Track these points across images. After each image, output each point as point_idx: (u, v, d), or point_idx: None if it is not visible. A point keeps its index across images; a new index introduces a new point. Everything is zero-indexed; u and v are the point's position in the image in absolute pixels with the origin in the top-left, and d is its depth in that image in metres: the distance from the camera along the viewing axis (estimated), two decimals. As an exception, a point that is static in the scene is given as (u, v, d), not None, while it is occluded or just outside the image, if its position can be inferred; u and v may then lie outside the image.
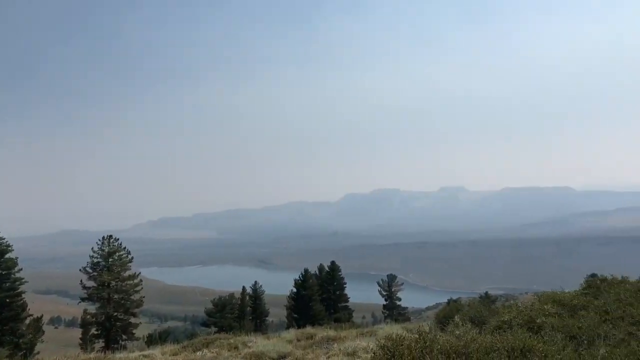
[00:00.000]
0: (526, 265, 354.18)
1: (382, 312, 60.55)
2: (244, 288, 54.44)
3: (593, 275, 17.63)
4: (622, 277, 13.65)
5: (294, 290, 50.73)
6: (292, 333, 19.19)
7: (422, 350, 6.24)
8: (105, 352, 21.07)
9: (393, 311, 56.77)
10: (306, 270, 52.16)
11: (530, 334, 7.68)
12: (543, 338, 7.24)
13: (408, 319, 53.51)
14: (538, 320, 9.60)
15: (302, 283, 50.08)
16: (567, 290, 14.50)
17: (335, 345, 15.61)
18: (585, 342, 7.77)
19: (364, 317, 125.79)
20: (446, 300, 57.74)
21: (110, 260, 36.91)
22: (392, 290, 58.00)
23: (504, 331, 8.64)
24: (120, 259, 37.27)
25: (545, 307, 10.77)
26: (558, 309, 10.73)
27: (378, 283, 59.47)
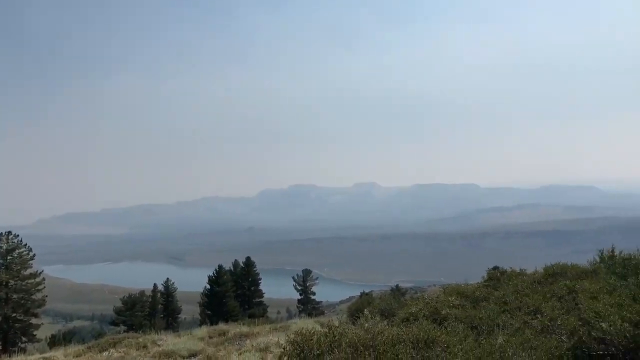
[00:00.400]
0: (435, 259, 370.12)
1: (297, 306, 61.07)
2: (155, 285, 52.90)
3: (495, 268, 18.62)
4: (520, 269, 14.57)
5: (208, 286, 49.94)
6: (204, 330, 18.82)
7: (330, 344, 6.32)
8: (1, 356, 19.69)
9: (307, 305, 57.37)
10: (220, 267, 51.51)
11: (435, 325, 8.00)
12: (446, 329, 7.57)
13: (322, 313, 54.33)
14: (443, 312, 10.01)
15: (216, 279, 49.40)
16: (470, 283, 15.26)
17: (248, 341, 15.51)
18: (485, 331, 8.21)
19: (278, 312, 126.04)
20: (359, 294, 59.04)
21: (8, 258, 34.57)
22: (307, 284, 58.62)
23: (411, 323, 8.94)
24: (21, 257, 34.97)
25: (450, 299, 11.26)
26: (462, 301, 11.25)
27: (293, 278, 59.87)
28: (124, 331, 35.96)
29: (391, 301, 22.05)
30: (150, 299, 49.94)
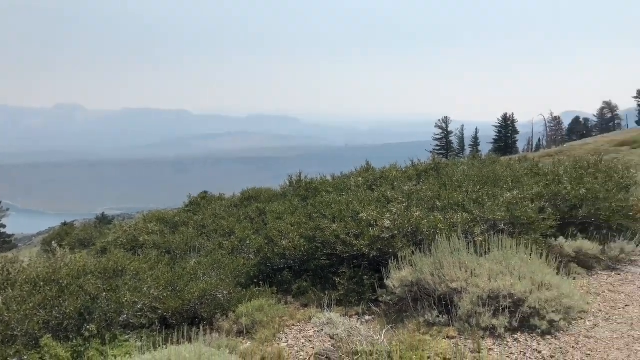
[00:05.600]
0: (145, 185, 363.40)
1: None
2: None
3: (205, 193, 19.11)
4: (220, 194, 15.25)
5: None
6: None
7: (4, 283, 5.65)
8: None
9: (-4, 240, 50.65)
10: None
11: (129, 253, 7.86)
12: (139, 256, 7.50)
13: (15, 247, 48.79)
14: (141, 239, 9.92)
15: None
16: (176, 208, 15.39)
17: None
18: (179, 256, 8.43)
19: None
20: (60, 224, 54.58)
21: None
22: (-6, 217, 51.47)
23: (109, 252, 8.60)
24: None
25: (149, 225, 11.19)
26: (161, 227, 11.30)
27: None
28: None
29: (92, 230, 20.98)
30: None
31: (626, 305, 6.09)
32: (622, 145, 47.52)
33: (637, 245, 8.38)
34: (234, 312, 6.37)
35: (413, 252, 6.19)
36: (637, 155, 35.16)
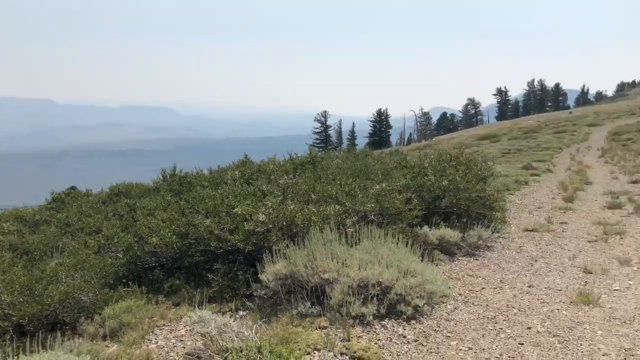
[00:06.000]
0: (5, 181, 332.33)
1: None
2: None
3: (73, 188, 17.84)
4: (87, 189, 14.30)
5: None
6: None
7: None
8: None
9: None
10: None
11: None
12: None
13: None
14: (-7, 240, 9.02)
15: None
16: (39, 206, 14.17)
17: None
18: (39, 257, 7.78)
19: None
20: None
21: None
22: None
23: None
24: None
25: (5, 225, 10.21)
26: (19, 226, 10.37)
27: None
28: None
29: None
30: None
31: (482, 288, 6.61)
32: (483, 139, 51.70)
33: (493, 232, 9.15)
34: (100, 315, 5.99)
35: (287, 245, 6.22)
36: (496, 148, 38.47)
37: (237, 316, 5.87)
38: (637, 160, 23.68)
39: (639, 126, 41.99)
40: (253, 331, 4.61)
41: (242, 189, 8.65)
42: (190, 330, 5.49)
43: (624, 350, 4.62)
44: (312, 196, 7.78)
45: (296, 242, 6.25)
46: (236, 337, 4.54)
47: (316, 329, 5.14)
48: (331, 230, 6.28)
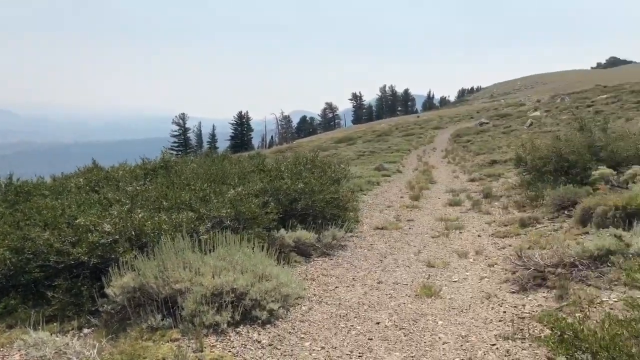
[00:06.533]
0: None
1: None
2: None
3: None
4: None
5: None
6: None
7: None
8: None
9: None
10: None
11: None
12: None
13: None
14: None
15: None
16: None
17: None
18: None
19: None
20: None
21: None
22: None
23: None
24: None
25: None
26: None
27: None
28: None
29: None
30: None
31: (336, 287, 6.81)
32: (341, 142, 53.67)
33: (347, 232, 9.49)
34: None
35: (136, 256, 5.90)
36: (352, 150, 40.14)
37: (81, 335, 5.44)
38: (475, 160, 26.02)
39: (476, 129, 46.31)
40: (95, 350, 4.29)
41: (86, 197, 8.06)
42: (25, 354, 4.98)
43: (460, 338, 5.01)
44: (165, 203, 7.47)
45: (146, 253, 5.95)
46: (76, 358, 4.19)
47: (167, 342, 4.92)
48: (183, 238, 6.08)
